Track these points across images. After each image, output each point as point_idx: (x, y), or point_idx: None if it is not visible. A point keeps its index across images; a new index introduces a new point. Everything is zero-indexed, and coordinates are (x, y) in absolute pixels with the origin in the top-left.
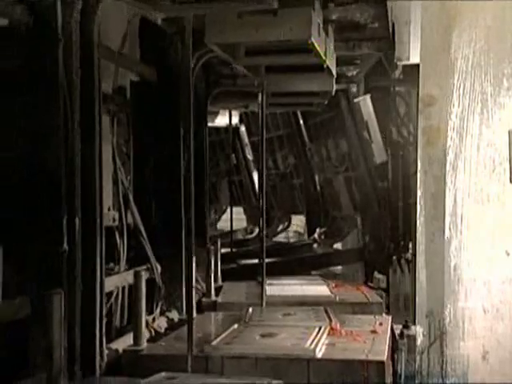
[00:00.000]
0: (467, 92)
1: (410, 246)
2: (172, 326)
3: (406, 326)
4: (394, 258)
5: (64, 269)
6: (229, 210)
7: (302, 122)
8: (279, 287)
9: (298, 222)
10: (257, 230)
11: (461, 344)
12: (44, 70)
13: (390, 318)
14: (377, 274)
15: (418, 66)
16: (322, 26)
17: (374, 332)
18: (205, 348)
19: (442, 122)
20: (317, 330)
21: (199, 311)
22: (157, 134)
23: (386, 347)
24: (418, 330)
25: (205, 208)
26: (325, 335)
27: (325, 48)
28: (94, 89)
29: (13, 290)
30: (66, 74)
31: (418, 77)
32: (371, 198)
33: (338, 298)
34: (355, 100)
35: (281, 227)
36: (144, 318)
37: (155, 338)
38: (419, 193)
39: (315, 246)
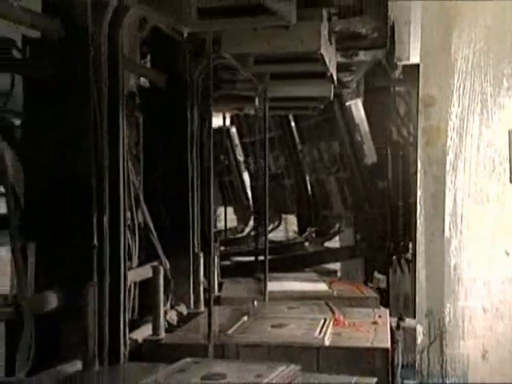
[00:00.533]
0: (467, 92)
1: (410, 245)
2: (182, 319)
3: (400, 319)
4: (394, 257)
5: (94, 263)
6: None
7: (293, 124)
8: (277, 283)
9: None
10: (247, 230)
11: (461, 343)
12: (75, 80)
13: (387, 310)
14: (377, 274)
15: (417, 65)
16: (327, 37)
17: (374, 323)
18: (221, 337)
19: (441, 122)
20: (322, 321)
21: (205, 305)
22: (165, 137)
23: (389, 336)
24: (418, 330)
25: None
26: (330, 326)
27: (329, 57)
28: (118, 97)
29: (46, 282)
30: (95, 82)
31: (418, 77)
32: (363, 198)
33: (335, 293)
34: (347, 103)
35: (271, 226)
36: (162, 309)
37: (169, 329)
38: (419, 193)
39: (306, 244)
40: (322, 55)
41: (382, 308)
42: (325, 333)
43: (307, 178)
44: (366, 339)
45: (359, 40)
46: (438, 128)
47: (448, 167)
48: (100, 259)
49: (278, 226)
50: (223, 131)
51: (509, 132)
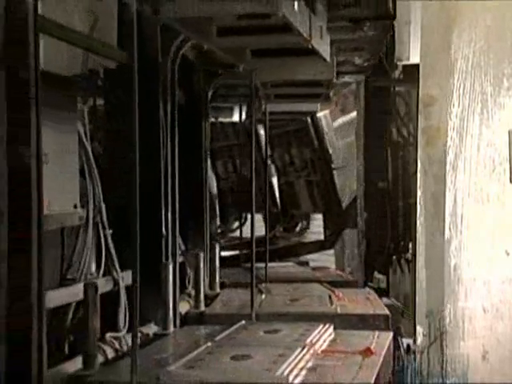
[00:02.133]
0: (467, 92)
1: (410, 245)
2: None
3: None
4: (394, 257)
5: (163, 248)
6: None
7: (262, 132)
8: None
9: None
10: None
11: (461, 344)
12: (148, 104)
13: (371, 290)
14: (377, 274)
15: (417, 65)
16: None
17: (368, 299)
18: (254, 309)
19: (441, 122)
20: (327, 297)
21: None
22: (183, 147)
23: (384, 307)
24: (418, 330)
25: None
26: (335, 300)
27: None
28: (175, 116)
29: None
30: (163, 105)
31: (418, 77)
32: (332, 198)
33: (323, 277)
34: (318, 115)
35: (236, 224)
36: (203, 288)
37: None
38: (419, 193)
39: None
40: (333, 82)
41: (366, 288)
42: (335, 305)
43: (274, 180)
44: (368, 309)
45: (349, 66)
46: (438, 128)
47: (448, 167)
48: (166, 246)
49: (244, 224)
50: None
51: (509, 132)
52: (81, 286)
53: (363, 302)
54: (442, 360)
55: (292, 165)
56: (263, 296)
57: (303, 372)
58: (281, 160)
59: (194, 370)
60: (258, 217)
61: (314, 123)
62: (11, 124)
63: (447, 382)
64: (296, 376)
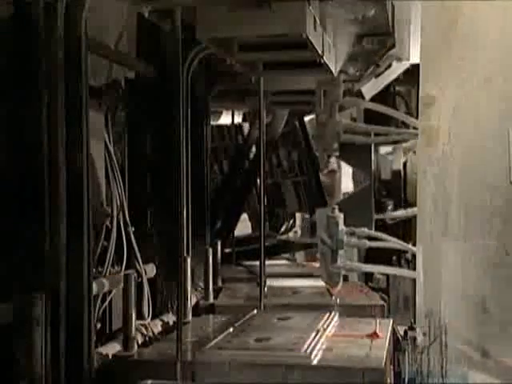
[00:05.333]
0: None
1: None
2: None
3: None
4: (394, 258)
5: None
6: None
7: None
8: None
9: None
10: None
11: (461, 343)
12: (168, 112)
13: (363, 284)
14: (377, 274)
15: (417, 65)
16: None
17: (362, 291)
18: (267, 300)
19: (441, 122)
20: (325, 289)
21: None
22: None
23: (378, 297)
24: (418, 330)
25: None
26: (333, 292)
27: None
28: (188, 120)
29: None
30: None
31: (418, 77)
32: (318, 198)
33: (315, 272)
34: (305, 119)
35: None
36: (211, 279)
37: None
38: (419, 193)
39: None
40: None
41: (357, 281)
42: (334, 296)
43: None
44: (365, 300)
45: (342, 75)
46: (438, 128)
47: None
48: (187, 241)
49: None
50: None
51: (508, 132)
52: (119, 276)
53: (358, 294)
54: (442, 359)
55: (279, 166)
56: (266, 289)
57: (322, 352)
58: (268, 162)
59: (225, 350)
60: (244, 216)
61: (302, 126)
62: (69, 133)
63: (447, 381)
64: (316, 355)
